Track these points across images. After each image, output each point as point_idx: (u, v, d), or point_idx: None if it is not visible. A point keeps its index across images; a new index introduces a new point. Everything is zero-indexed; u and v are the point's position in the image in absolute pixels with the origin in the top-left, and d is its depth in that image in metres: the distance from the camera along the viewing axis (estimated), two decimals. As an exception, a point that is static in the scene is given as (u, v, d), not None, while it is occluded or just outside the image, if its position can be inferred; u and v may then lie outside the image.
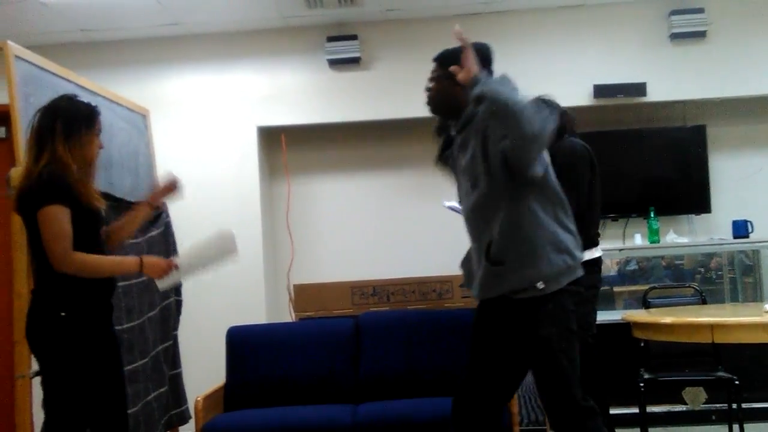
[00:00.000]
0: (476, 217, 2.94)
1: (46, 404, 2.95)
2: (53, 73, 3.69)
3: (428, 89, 3.10)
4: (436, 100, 3.07)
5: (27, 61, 3.47)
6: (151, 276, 3.07)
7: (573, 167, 3.77)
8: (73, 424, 2.94)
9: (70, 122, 2.99)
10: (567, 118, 3.97)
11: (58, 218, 2.87)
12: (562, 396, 2.84)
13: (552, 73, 5.51)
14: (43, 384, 2.96)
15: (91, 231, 3.04)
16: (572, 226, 2.90)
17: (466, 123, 2.96)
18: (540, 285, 2.77)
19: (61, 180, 2.91)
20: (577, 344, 2.88)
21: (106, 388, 3.04)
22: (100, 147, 3.14)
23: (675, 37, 5.55)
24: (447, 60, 3.02)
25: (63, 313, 2.91)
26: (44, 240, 2.86)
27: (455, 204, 3.82)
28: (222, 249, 3.32)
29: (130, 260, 3.07)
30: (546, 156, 2.88)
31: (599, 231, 4.01)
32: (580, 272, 2.87)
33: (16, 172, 3.19)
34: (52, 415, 2.93)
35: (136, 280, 3.92)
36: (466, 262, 3.08)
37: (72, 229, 2.89)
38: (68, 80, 3.80)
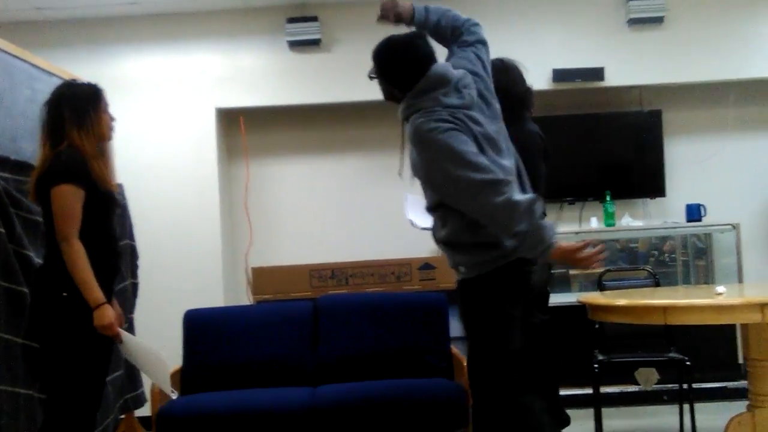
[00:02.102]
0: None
1: (47, 384, 3.02)
2: (7, 52, 3.62)
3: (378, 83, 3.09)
4: (385, 96, 3.10)
5: (-22, 39, 3.41)
6: (95, 323, 2.97)
7: (526, 157, 3.78)
8: (76, 399, 2.99)
9: (77, 107, 3.05)
10: (529, 97, 3.95)
11: (70, 198, 2.94)
12: (482, 366, 2.94)
13: (511, 56, 5.47)
14: (43, 363, 3.01)
15: (105, 214, 3.11)
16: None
17: (404, 119, 2.98)
18: (462, 269, 2.93)
19: (78, 162, 2.98)
20: (510, 321, 2.92)
21: (98, 368, 3.09)
22: (112, 120, 3.21)
23: (633, 22, 5.60)
24: (380, 65, 3.02)
25: (65, 293, 2.94)
26: (54, 216, 2.93)
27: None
28: (157, 373, 3.33)
29: (97, 294, 2.95)
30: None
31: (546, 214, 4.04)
32: (505, 260, 2.83)
33: (-32, 153, 3.14)
34: (54, 393, 3.00)
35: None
36: None
37: (86, 212, 2.96)
38: (23, 60, 3.73)
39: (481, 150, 2.79)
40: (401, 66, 2.96)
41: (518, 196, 2.71)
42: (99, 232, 3.04)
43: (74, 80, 3.20)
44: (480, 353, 2.97)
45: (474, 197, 2.71)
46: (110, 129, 3.19)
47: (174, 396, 3.40)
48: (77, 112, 3.04)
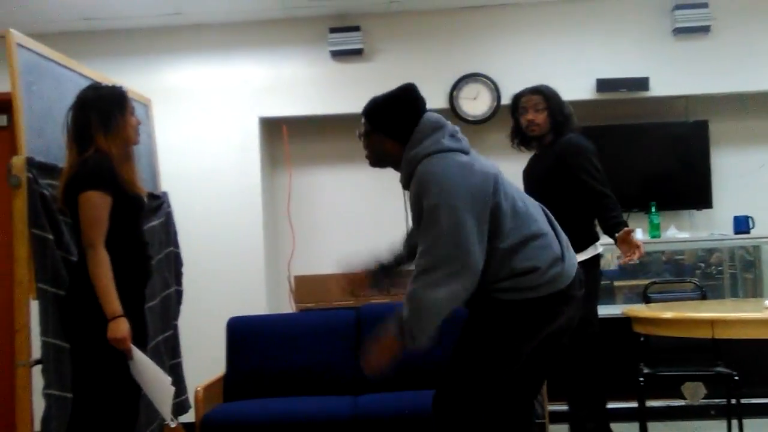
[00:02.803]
0: None
1: (78, 389, 3.05)
2: (55, 62, 3.68)
3: (365, 146, 2.99)
4: (373, 156, 2.98)
5: (29, 49, 3.46)
6: (108, 335, 2.97)
7: (589, 159, 3.85)
8: (106, 408, 3.01)
9: (104, 111, 3.07)
10: (569, 113, 4.01)
11: (97, 205, 2.96)
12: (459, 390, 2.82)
13: (555, 66, 5.50)
14: (74, 366, 3.05)
15: (133, 218, 3.14)
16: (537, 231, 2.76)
17: (408, 181, 2.83)
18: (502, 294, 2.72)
19: (106, 168, 3.00)
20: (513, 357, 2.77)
21: (126, 377, 3.09)
22: (138, 124, 3.22)
23: (678, 31, 5.54)
24: (374, 114, 2.90)
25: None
26: (81, 223, 2.96)
27: None
28: (160, 399, 3.25)
29: (114, 305, 2.94)
30: (487, 215, 2.65)
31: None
32: (541, 292, 2.69)
33: (18, 161, 3.19)
34: (84, 399, 3.03)
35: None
36: None
37: (114, 217, 2.98)
38: (70, 69, 3.79)
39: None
40: (399, 111, 2.84)
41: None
42: (128, 237, 3.06)
43: (99, 83, 3.22)
44: (469, 376, 2.79)
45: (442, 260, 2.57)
46: (136, 133, 3.21)
47: (173, 424, 3.36)
48: (103, 115, 3.06)
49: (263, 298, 5.54)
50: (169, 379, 3.31)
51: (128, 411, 3.09)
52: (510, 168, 5.64)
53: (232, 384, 4.40)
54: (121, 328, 2.96)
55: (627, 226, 3.77)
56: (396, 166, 2.91)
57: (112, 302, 2.95)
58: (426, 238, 2.63)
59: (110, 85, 3.19)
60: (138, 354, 3.11)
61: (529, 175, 4.15)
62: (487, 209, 2.63)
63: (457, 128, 2.87)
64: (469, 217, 2.58)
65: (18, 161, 3.20)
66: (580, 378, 3.88)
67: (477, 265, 2.59)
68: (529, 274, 2.66)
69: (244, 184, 5.64)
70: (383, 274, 3.27)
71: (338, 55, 5.65)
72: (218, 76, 5.73)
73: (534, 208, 2.84)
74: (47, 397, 3.19)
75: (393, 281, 3.28)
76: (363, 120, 2.94)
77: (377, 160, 2.98)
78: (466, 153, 2.78)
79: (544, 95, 4.00)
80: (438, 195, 2.59)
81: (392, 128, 2.85)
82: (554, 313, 2.74)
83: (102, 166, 2.99)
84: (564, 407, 4.60)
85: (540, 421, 4.75)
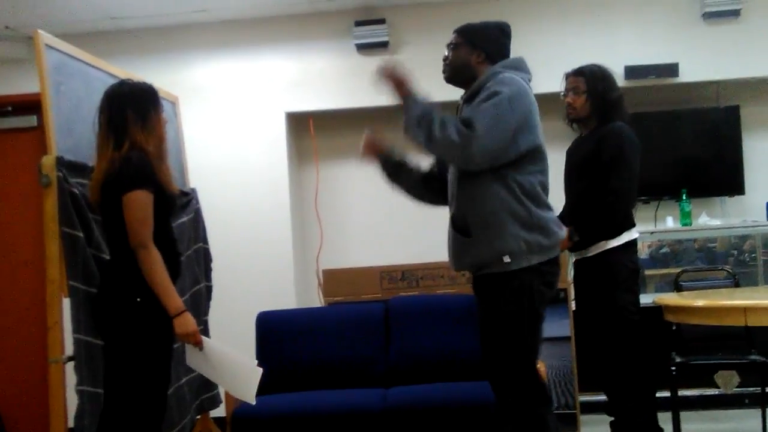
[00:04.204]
0: (452, 190, 3.08)
1: (111, 385, 3.06)
2: (84, 62, 3.71)
3: (446, 58, 3.17)
4: (453, 66, 3.14)
5: (57, 49, 3.50)
6: (176, 328, 3.04)
7: (621, 151, 3.78)
8: (137, 403, 3.03)
9: (140, 107, 3.08)
10: (621, 102, 3.96)
11: (145, 204, 2.97)
12: (512, 370, 2.93)
13: (583, 53, 5.40)
14: (106, 362, 3.06)
15: (166, 215, 3.16)
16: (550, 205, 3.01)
17: (472, 96, 3.02)
18: (506, 259, 2.87)
19: (148, 166, 3.01)
20: (540, 325, 2.98)
21: (163, 371, 3.14)
22: (165, 121, 3.23)
23: (708, 16, 5.46)
24: (468, 32, 3.14)
25: (139, 299, 2.99)
26: (129, 223, 2.95)
27: None
28: (241, 383, 3.27)
29: (176, 301, 3.01)
30: (527, 137, 2.91)
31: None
32: (554, 252, 2.94)
33: (48, 160, 3.23)
34: (115, 394, 3.05)
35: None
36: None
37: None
38: (98, 68, 3.82)
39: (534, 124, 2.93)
40: (494, 32, 3.13)
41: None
42: (162, 236, 3.07)
43: (129, 79, 3.22)
44: (510, 355, 2.94)
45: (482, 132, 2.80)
46: (165, 132, 3.22)
47: (254, 403, 3.35)
48: (140, 111, 3.07)
49: (292, 292, 5.56)
50: (252, 361, 3.33)
51: (158, 406, 3.12)
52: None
53: (262, 378, 4.42)
54: (188, 322, 3.02)
55: (576, 239, 3.84)
56: (467, 84, 3.09)
57: (174, 299, 2.99)
58: (481, 107, 2.87)
59: (141, 81, 3.20)
60: (210, 344, 3.16)
61: (569, 156, 4.12)
62: (530, 135, 2.90)
63: None
64: (513, 123, 2.83)
65: (48, 161, 3.24)
66: (621, 369, 3.84)
67: (488, 147, 2.82)
68: (539, 233, 2.88)
69: (271, 178, 5.65)
70: (394, 165, 3.40)
71: (364, 48, 5.64)
72: (244, 72, 5.75)
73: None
74: (80, 393, 3.23)
75: (400, 180, 3.39)
76: (454, 35, 3.15)
77: (455, 73, 3.13)
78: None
79: (585, 78, 3.92)
80: (505, 90, 2.86)
81: (483, 41, 3.09)
82: (555, 276, 2.99)
83: (144, 163, 3.00)
84: (595, 398, 4.59)
85: (571, 411, 4.74)
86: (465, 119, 2.86)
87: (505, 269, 2.88)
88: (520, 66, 3.09)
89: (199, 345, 3.11)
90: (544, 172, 3.00)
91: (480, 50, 3.08)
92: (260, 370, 3.27)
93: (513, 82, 2.92)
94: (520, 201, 2.88)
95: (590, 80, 3.91)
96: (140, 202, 2.96)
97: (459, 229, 3.01)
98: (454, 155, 2.90)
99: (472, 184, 2.94)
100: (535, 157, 2.95)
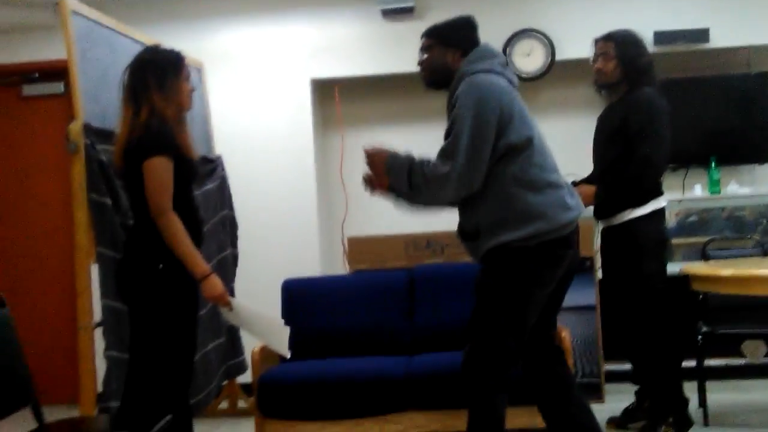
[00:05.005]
0: None
1: (135, 351, 3.10)
2: (109, 28, 3.72)
3: (421, 62, 3.21)
4: (430, 70, 3.18)
5: (83, 16, 3.51)
6: (203, 293, 3.08)
7: (650, 119, 3.75)
8: (161, 369, 3.06)
9: (160, 73, 3.08)
10: (650, 68, 3.91)
11: (164, 170, 2.98)
12: (479, 343, 2.96)
13: (610, 19, 5.33)
14: (134, 332, 3.09)
15: (187, 181, 3.16)
16: (554, 181, 2.96)
17: (450, 105, 3.05)
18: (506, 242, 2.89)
19: (168, 132, 3.02)
20: (525, 308, 2.94)
21: (187, 337, 3.17)
22: (192, 90, 3.23)
23: (740, -20, 5.35)
24: (437, 32, 3.16)
25: (160, 266, 3.02)
26: (148, 190, 2.97)
27: None
28: (273, 338, 3.35)
29: (201, 265, 3.04)
30: (507, 136, 2.90)
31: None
32: (558, 234, 2.90)
33: (75, 127, 3.24)
34: (140, 360, 3.08)
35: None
36: None
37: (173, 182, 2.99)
38: (124, 35, 3.83)
39: (509, 120, 2.89)
40: (461, 26, 3.15)
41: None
42: (182, 201, 3.07)
43: (157, 45, 3.22)
44: (483, 327, 2.96)
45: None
46: (190, 99, 3.21)
47: (288, 355, 3.41)
48: (161, 77, 3.06)
49: (317, 259, 5.58)
50: (279, 319, 3.40)
51: (183, 371, 3.15)
52: (563, 125, 5.61)
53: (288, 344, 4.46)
54: (215, 284, 3.06)
55: (600, 199, 3.85)
56: (448, 85, 3.10)
57: (199, 263, 3.03)
58: (449, 139, 2.92)
59: (169, 48, 3.20)
60: (238, 304, 3.20)
61: (600, 124, 4.09)
62: (503, 132, 2.88)
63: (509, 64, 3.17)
64: (486, 133, 2.85)
65: (75, 127, 3.26)
66: (646, 338, 3.83)
67: (472, 177, 2.86)
68: (539, 220, 2.86)
69: (296, 146, 5.64)
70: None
71: (389, 13, 5.59)
72: (269, 38, 5.73)
73: (552, 160, 3.05)
74: (108, 358, 3.27)
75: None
76: (424, 39, 3.19)
77: (434, 75, 3.17)
78: (513, 85, 3.05)
79: (615, 43, 3.88)
80: (466, 110, 2.86)
81: (455, 38, 3.11)
82: (559, 257, 2.94)
83: (164, 130, 3.01)
84: (621, 366, 4.57)
85: (595, 380, 4.73)
86: (444, 150, 2.91)
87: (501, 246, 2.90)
88: (485, 55, 3.06)
89: (228, 306, 3.15)
90: (536, 153, 2.94)
91: (454, 48, 3.10)
92: (288, 328, 3.34)
93: (476, 89, 2.92)
94: (520, 192, 2.88)
95: (620, 45, 3.86)
96: (160, 169, 2.97)
97: (465, 236, 3.05)
98: (454, 194, 2.93)
99: None
100: (523, 145, 2.91)
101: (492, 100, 2.88)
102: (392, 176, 2.97)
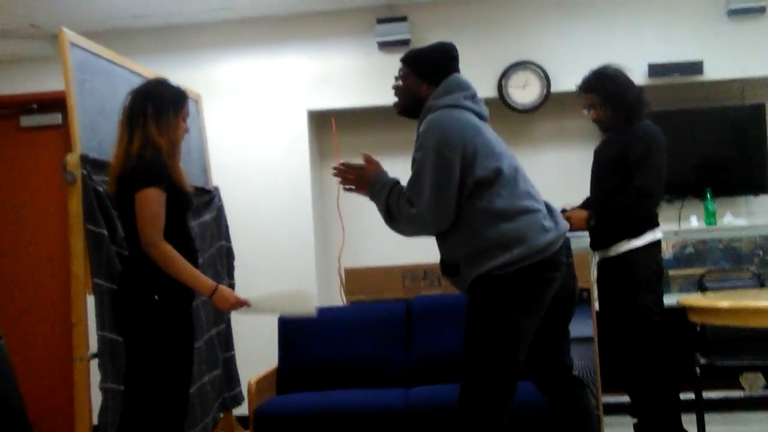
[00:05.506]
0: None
1: (130, 383, 3.08)
2: (107, 60, 3.73)
3: (396, 88, 3.20)
4: (403, 101, 3.18)
5: (82, 47, 3.52)
6: (217, 306, 3.11)
7: (647, 151, 3.76)
8: (157, 401, 3.05)
9: (160, 105, 3.11)
10: (642, 97, 3.93)
11: (155, 202, 2.98)
12: (468, 382, 2.93)
13: (606, 51, 5.40)
14: (129, 363, 3.08)
15: (182, 213, 3.17)
16: (528, 207, 2.92)
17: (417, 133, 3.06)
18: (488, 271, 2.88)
19: (161, 163, 3.03)
20: (515, 339, 2.89)
21: (183, 369, 3.16)
22: (186, 131, 3.25)
23: (733, 13, 5.40)
24: (414, 62, 3.14)
25: (156, 297, 3.02)
26: (139, 221, 2.98)
27: None
28: (299, 307, 3.37)
29: (205, 282, 3.10)
30: (474, 173, 2.89)
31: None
32: (539, 257, 2.86)
33: (73, 158, 3.24)
34: (135, 393, 3.06)
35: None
36: None
37: (166, 212, 3.00)
38: (122, 66, 3.84)
39: (474, 154, 2.88)
40: (440, 60, 3.11)
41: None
42: (177, 232, 3.09)
43: (165, 80, 3.26)
44: (474, 362, 2.93)
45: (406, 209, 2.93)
46: (182, 137, 3.23)
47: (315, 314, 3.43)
48: (159, 110, 3.09)
49: (314, 290, 5.56)
50: (298, 288, 3.46)
51: (179, 403, 3.13)
52: (558, 157, 5.63)
53: (284, 377, 4.43)
54: (225, 296, 3.11)
55: (591, 225, 3.85)
56: (418, 115, 3.11)
57: (203, 282, 3.08)
58: (412, 177, 2.93)
59: (176, 85, 3.24)
60: (255, 298, 3.23)
61: (597, 156, 4.10)
62: (470, 168, 2.87)
63: (478, 96, 3.12)
64: (449, 172, 2.84)
65: (72, 158, 3.26)
66: (644, 370, 3.82)
67: (437, 216, 2.89)
68: (517, 246, 2.82)
69: (293, 177, 5.66)
70: None
71: (386, 46, 5.63)
72: (266, 70, 5.76)
73: (530, 185, 3.02)
74: (104, 390, 3.25)
75: None
76: (401, 65, 3.17)
77: (407, 105, 3.18)
78: (481, 118, 3.05)
79: (598, 92, 3.90)
80: (430, 142, 2.87)
81: (430, 70, 3.08)
82: (545, 280, 2.89)
83: (157, 161, 3.02)
84: (619, 399, 4.55)
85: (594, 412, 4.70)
86: (408, 192, 2.95)
87: (486, 276, 2.89)
88: (451, 88, 3.05)
89: (246, 305, 3.18)
90: (506, 183, 2.92)
91: (428, 80, 3.09)
92: (310, 291, 3.35)
93: (438, 127, 2.92)
94: (491, 225, 2.86)
95: (603, 92, 3.88)
96: (151, 200, 2.97)
97: (447, 270, 3.06)
98: (425, 232, 3.02)
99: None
100: (491, 178, 2.89)
101: (454, 138, 2.86)
102: (374, 199, 3.07)
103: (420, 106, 3.08)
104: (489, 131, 3.01)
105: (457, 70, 3.13)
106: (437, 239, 3.08)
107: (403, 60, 3.18)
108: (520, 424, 3.70)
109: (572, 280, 3.07)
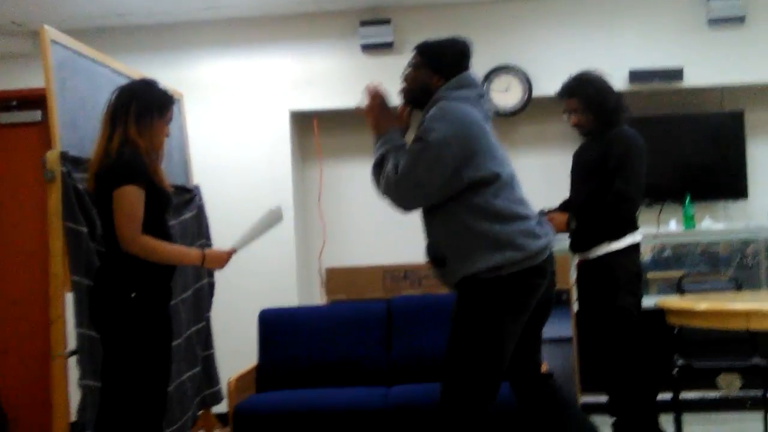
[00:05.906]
0: (422, 221, 3.13)
1: (107, 380, 3.08)
2: (89, 58, 3.72)
3: (406, 77, 3.19)
4: (412, 90, 3.17)
5: (63, 45, 3.51)
6: (212, 268, 3.14)
7: (627, 155, 3.79)
8: (134, 398, 3.04)
9: (144, 107, 3.10)
10: (621, 103, 3.95)
11: (133, 199, 2.97)
12: (451, 382, 2.95)
13: (587, 57, 5.42)
14: (106, 360, 3.07)
15: (161, 212, 3.17)
16: (522, 212, 2.95)
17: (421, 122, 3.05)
18: (478, 272, 2.88)
19: (139, 161, 3.02)
20: (501, 343, 2.91)
21: (160, 367, 3.16)
22: (167, 135, 3.25)
23: (713, 22, 5.46)
24: (429, 53, 3.13)
25: (133, 294, 3.01)
26: (116, 219, 2.97)
27: None
28: (271, 222, 3.47)
29: (193, 253, 3.17)
30: (474, 168, 2.90)
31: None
32: (528, 263, 2.89)
33: (52, 155, 3.23)
34: (112, 390, 3.05)
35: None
36: None
37: (145, 210, 3.00)
38: (104, 65, 3.83)
39: (476, 151, 2.88)
40: (455, 56, 3.10)
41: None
42: (156, 230, 3.08)
43: (154, 82, 3.25)
44: (455, 365, 2.95)
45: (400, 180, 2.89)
46: (163, 142, 3.24)
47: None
48: (142, 111, 3.08)
49: (294, 290, 5.57)
50: (262, 214, 3.46)
51: (157, 401, 3.12)
52: (539, 160, 5.66)
53: (264, 375, 4.43)
54: (215, 258, 3.22)
55: (572, 227, 3.85)
56: (424, 106, 3.09)
57: (190, 254, 3.20)
58: (409, 150, 2.92)
59: (164, 89, 3.23)
60: (237, 240, 3.34)
61: (577, 159, 4.12)
62: (468, 163, 2.86)
63: (486, 95, 3.18)
64: (443, 159, 2.83)
65: (52, 155, 3.24)
66: (622, 370, 3.84)
67: (406, 194, 2.93)
68: (509, 249, 2.84)
69: (275, 177, 5.65)
70: None
71: (369, 48, 5.64)
72: (249, 70, 5.76)
73: (521, 194, 3.04)
74: (83, 387, 3.23)
75: None
76: (415, 53, 3.15)
77: (415, 95, 3.15)
78: (486, 119, 3.05)
79: (578, 97, 3.91)
80: (435, 134, 2.84)
81: (444, 65, 3.07)
82: (533, 286, 2.93)
83: (136, 159, 3.01)
84: (598, 399, 4.58)
85: (572, 413, 4.73)
86: (398, 161, 2.94)
87: (476, 278, 2.89)
88: (463, 84, 3.06)
89: (234, 252, 3.29)
90: (504, 187, 2.94)
91: (441, 74, 3.08)
92: (274, 210, 3.47)
93: (450, 117, 2.91)
94: (485, 222, 2.87)
95: (583, 97, 3.89)
96: (130, 198, 2.96)
97: (433, 259, 3.06)
98: (391, 203, 3.00)
99: (435, 214, 2.99)
100: (489, 179, 2.90)
101: (460, 129, 2.88)
102: (377, 142, 3.09)
103: (427, 97, 3.07)
104: (492, 135, 3.02)
105: (469, 67, 3.14)
106: (425, 225, 3.08)
107: (419, 49, 3.15)
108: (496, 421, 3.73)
109: (552, 286, 3.10)
